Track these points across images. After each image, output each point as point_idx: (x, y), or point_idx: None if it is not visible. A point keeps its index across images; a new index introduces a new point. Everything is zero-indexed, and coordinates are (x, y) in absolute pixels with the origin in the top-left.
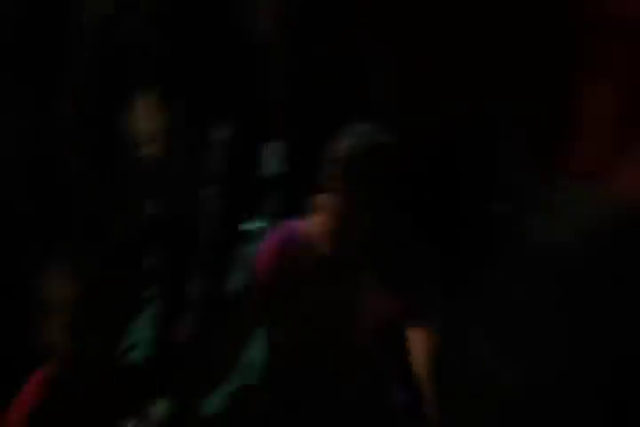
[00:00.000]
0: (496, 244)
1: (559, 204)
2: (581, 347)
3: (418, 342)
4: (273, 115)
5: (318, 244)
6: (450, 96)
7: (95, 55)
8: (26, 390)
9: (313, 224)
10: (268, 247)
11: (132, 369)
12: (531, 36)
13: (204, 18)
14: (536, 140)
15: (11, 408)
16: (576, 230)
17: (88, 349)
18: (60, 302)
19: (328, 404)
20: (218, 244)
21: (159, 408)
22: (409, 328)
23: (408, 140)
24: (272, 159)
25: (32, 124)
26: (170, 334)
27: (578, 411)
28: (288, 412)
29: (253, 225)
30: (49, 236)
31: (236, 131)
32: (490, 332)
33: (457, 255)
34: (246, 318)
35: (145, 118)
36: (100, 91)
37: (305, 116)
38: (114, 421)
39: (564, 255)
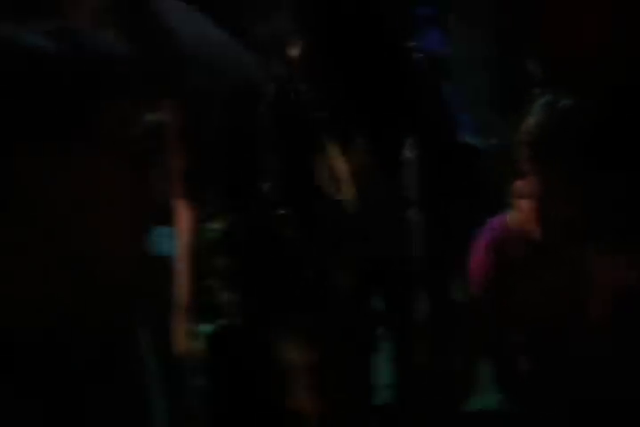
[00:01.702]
0: None
1: None
2: None
3: None
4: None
5: (530, 232)
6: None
7: (278, 112)
8: None
9: (519, 214)
10: (479, 249)
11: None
12: None
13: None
14: None
15: None
16: None
17: (338, 408)
18: (302, 368)
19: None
20: (434, 264)
21: None
22: None
23: (587, 103)
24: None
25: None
26: (410, 373)
27: None
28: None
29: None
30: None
31: (422, 150)
32: None
33: None
34: (474, 329)
35: (334, 163)
36: (289, 145)
37: None
38: None
39: None
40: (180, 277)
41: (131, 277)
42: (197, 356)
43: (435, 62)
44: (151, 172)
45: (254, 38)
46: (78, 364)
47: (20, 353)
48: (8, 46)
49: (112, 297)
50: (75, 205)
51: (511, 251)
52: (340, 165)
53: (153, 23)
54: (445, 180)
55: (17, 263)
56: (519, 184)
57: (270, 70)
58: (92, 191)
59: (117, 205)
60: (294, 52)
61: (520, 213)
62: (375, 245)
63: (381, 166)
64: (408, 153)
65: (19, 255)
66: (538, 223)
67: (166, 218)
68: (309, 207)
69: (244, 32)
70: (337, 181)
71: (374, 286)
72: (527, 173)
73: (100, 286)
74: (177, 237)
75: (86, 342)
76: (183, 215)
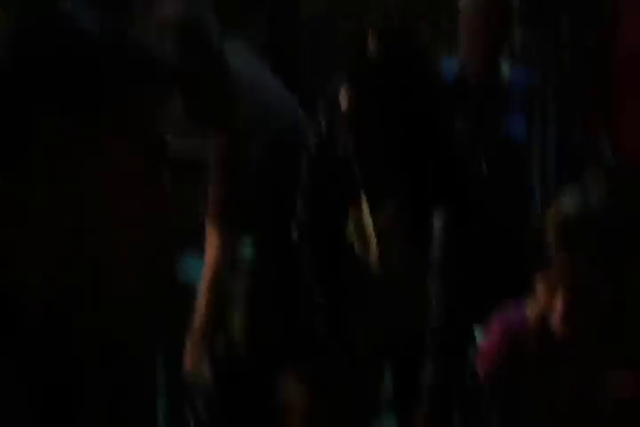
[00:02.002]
0: None
1: None
2: None
3: None
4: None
5: (550, 326)
6: None
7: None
8: None
9: (539, 305)
10: (493, 335)
11: None
12: None
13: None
14: None
15: None
16: None
17: None
18: (299, 407)
19: None
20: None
21: None
22: None
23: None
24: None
25: None
26: None
27: None
28: None
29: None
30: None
31: (450, 215)
32: None
33: None
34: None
35: (363, 220)
36: (323, 197)
37: None
38: None
39: None
40: (200, 302)
41: (134, 285)
42: (204, 381)
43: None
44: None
45: (308, 90)
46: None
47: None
48: (63, 22)
49: (109, 297)
50: (87, 184)
51: (526, 343)
52: (368, 224)
53: (213, 57)
54: (470, 251)
55: (20, 234)
56: (545, 273)
57: (316, 122)
58: (105, 175)
59: (129, 196)
60: (343, 104)
61: (540, 302)
62: (392, 311)
63: (408, 230)
64: (436, 222)
65: (23, 227)
66: (564, 319)
67: (199, 247)
68: (333, 260)
69: (298, 83)
70: (364, 238)
71: (387, 355)
72: (554, 262)
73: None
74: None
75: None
76: (213, 242)
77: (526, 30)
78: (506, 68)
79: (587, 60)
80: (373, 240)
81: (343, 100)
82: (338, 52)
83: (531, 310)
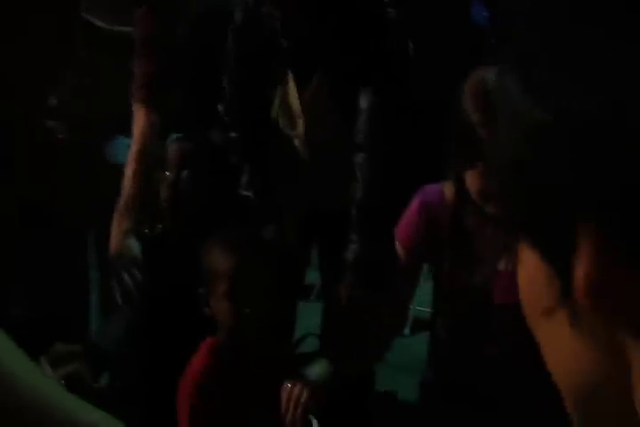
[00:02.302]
0: None
1: None
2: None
3: None
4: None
5: (476, 203)
6: None
7: (244, 36)
8: (195, 358)
9: (459, 184)
10: (410, 211)
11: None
12: None
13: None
14: None
15: (183, 376)
16: None
17: (249, 319)
18: (223, 273)
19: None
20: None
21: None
22: None
23: None
24: None
25: None
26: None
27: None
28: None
29: None
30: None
31: (378, 97)
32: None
33: None
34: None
35: (289, 97)
36: (249, 71)
37: None
38: (276, 387)
39: None
40: (127, 174)
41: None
42: (130, 255)
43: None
44: None
45: None
46: None
47: None
48: None
49: None
50: None
51: (442, 219)
52: (295, 100)
53: None
54: (399, 131)
55: None
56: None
57: None
58: None
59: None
60: None
61: (470, 182)
62: (318, 185)
63: (334, 105)
64: (363, 102)
65: None
66: (480, 195)
67: (127, 128)
68: (258, 135)
69: None
70: (290, 115)
71: (312, 228)
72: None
73: None
74: (133, 142)
75: None
76: (139, 118)
77: None
78: None
79: None
80: (300, 115)
81: None
82: None
83: (448, 188)
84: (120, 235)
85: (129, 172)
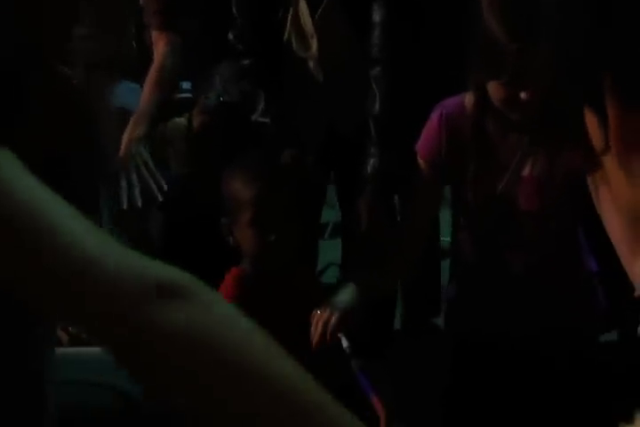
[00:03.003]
0: None
1: None
2: None
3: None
4: None
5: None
6: None
7: None
8: (221, 288)
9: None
10: (431, 123)
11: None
12: None
13: None
14: None
15: None
16: None
17: (274, 247)
18: (246, 201)
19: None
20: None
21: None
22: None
23: None
24: None
25: None
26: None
27: None
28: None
29: None
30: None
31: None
32: None
33: None
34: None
35: (302, 18)
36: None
37: None
38: (302, 316)
39: None
40: (146, 88)
41: None
42: (140, 158)
43: None
44: None
45: None
46: None
47: None
48: None
49: None
50: None
51: (464, 131)
52: (307, 19)
53: None
54: (412, 42)
55: None
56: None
57: None
58: None
59: None
60: None
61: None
62: (335, 107)
63: (348, 24)
64: (376, 15)
65: None
66: (504, 105)
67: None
68: (271, 60)
69: None
70: (303, 36)
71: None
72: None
73: None
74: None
75: None
76: (162, 42)
77: None
78: None
79: None
80: (313, 35)
81: None
82: None
83: (469, 99)
84: (132, 140)
85: (150, 80)
